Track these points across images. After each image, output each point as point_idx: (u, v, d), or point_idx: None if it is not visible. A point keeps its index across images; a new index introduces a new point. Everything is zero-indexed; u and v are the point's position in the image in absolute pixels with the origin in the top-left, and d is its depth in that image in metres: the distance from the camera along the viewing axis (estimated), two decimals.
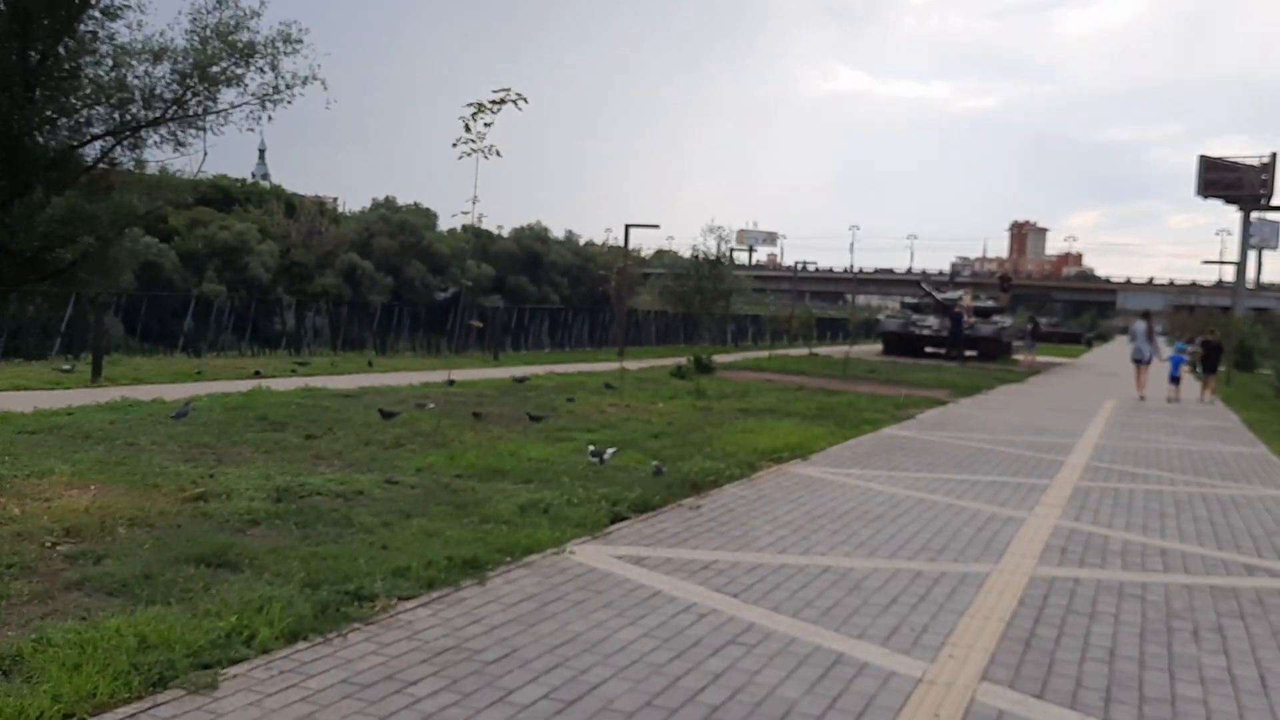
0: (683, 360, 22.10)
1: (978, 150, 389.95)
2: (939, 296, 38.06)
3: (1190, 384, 24.30)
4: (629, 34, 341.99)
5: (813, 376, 23.16)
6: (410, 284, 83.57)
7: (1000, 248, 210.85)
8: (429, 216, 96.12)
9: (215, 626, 4.29)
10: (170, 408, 11.10)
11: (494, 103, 9.38)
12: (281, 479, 7.51)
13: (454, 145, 9.60)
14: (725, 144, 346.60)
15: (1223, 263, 44.58)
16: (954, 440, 12.81)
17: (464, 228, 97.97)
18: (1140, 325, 23.91)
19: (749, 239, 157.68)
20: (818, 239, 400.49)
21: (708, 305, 34.36)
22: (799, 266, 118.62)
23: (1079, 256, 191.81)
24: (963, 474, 10.07)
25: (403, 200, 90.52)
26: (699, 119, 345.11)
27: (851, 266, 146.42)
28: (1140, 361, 22.82)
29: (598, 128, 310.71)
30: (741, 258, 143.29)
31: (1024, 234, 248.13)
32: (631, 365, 23.64)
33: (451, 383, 16.35)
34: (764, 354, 31.06)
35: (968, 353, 35.60)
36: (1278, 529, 8.07)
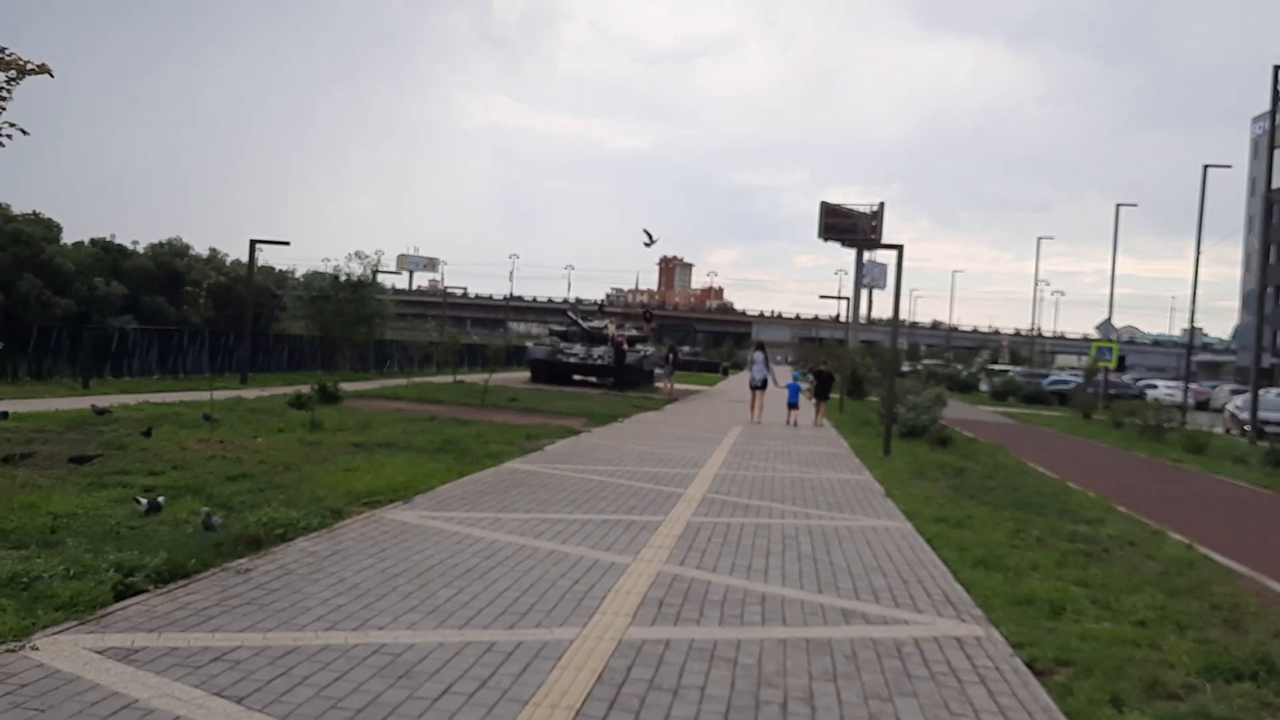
0: (306, 388, 20.26)
1: (632, 187, 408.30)
2: (585, 325, 38.35)
3: (807, 410, 25.70)
4: (281, 40, 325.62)
5: (450, 405, 22.09)
6: (25, 301, 73.52)
7: (651, 280, 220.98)
8: (51, 228, 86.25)
9: None
10: None
11: None
12: None
13: None
14: (387, 165, 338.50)
15: (837, 297, 48.85)
16: (577, 474, 12.20)
17: (92, 241, 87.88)
18: (758, 355, 25.84)
19: (410, 264, 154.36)
20: (480, 266, 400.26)
21: (349, 330, 32.48)
22: (444, 292, 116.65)
23: (720, 290, 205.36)
24: (576, 513, 9.37)
25: (20, 209, 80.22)
26: (359, 138, 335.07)
27: (511, 294, 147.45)
28: (756, 388, 24.57)
29: (248, 139, 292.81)
30: (401, 282, 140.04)
31: (672, 268, 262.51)
32: (253, 394, 21.47)
33: (4, 415, 13.69)
34: (404, 381, 29.50)
35: (610, 380, 36.17)
36: (875, 565, 7.97)
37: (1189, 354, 41.70)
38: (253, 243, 25.20)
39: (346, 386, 25.89)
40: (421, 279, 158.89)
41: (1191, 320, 40.64)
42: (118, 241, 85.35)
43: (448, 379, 32.31)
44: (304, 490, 9.28)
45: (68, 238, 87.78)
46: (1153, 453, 23.11)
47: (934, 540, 9.27)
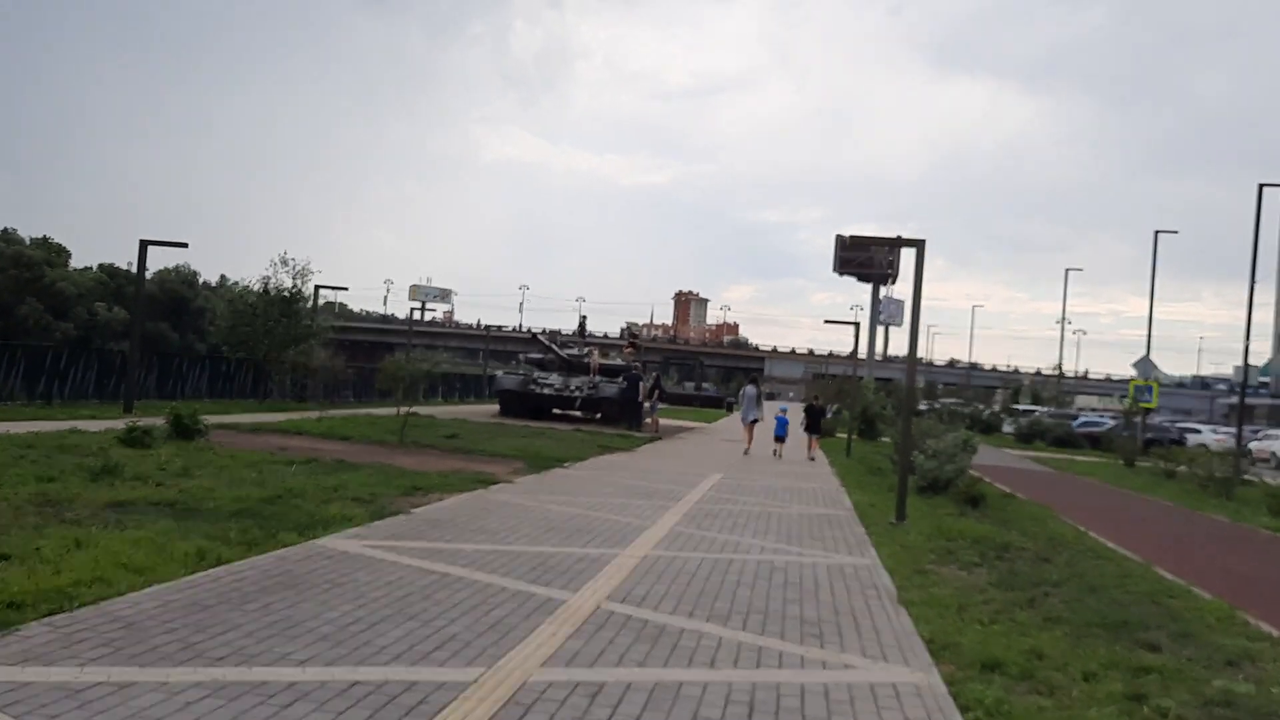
0: (157, 420, 16.01)
1: (648, 222, 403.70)
2: (563, 353, 34.07)
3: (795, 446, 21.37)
4: (301, 76, 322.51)
5: (360, 444, 17.77)
6: (23, 324, 70.12)
7: (666, 315, 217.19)
8: (59, 253, 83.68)
9: None
10: None
11: None
12: None
13: None
14: (404, 198, 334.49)
15: (846, 323, 44.35)
16: (419, 561, 7.84)
17: (100, 267, 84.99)
18: (750, 389, 25.87)
19: (422, 294, 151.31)
20: (494, 298, 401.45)
21: (278, 351, 28.26)
22: (411, 319, 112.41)
23: (735, 326, 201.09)
24: (314, 666, 5.00)
25: (30, 233, 78.00)
26: (376, 171, 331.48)
27: (520, 325, 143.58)
28: (748, 422, 24.82)
29: (266, 172, 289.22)
30: (404, 310, 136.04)
31: (687, 303, 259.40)
32: (102, 425, 17.20)
33: None
34: (317, 414, 24.62)
35: (597, 415, 32.00)
36: None
37: (1242, 395, 36.93)
38: (143, 243, 21.06)
39: (248, 418, 21.63)
40: (438, 310, 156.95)
41: (1245, 356, 35.81)
42: (123, 266, 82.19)
43: (390, 411, 27.97)
44: None
45: (78, 263, 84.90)
46: (1233, 515, 18.57)
47: None
